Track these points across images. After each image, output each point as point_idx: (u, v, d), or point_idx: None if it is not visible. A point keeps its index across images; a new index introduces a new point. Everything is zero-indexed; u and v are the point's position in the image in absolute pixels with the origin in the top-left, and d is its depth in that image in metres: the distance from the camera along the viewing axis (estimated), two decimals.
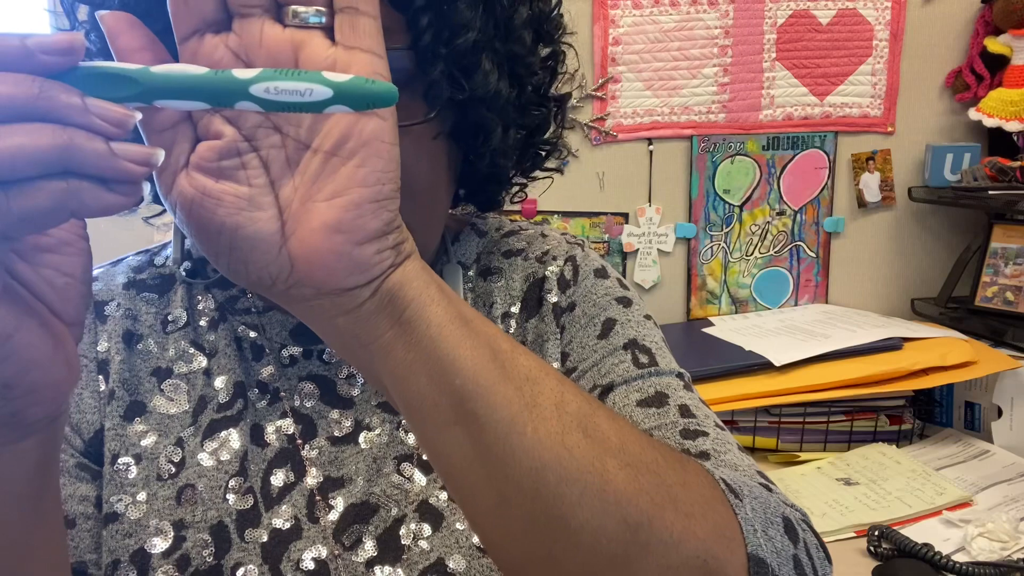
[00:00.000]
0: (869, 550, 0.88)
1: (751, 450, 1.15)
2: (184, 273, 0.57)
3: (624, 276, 1.46)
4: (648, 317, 0.59)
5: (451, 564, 0.50)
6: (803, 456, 1.14)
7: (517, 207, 1.34)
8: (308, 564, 0.49)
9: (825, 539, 0.47)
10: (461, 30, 0.44)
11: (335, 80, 0.30)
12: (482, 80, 0.46)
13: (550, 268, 0.59)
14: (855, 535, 0.92)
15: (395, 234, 0.35)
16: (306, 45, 0.33)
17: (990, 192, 1.24)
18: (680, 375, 0.55)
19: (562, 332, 0.57)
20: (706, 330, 1.33)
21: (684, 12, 1.33)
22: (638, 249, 1.40)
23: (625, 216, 1.39)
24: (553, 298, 0.58)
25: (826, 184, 1.41)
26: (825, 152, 1.39)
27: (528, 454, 0.35)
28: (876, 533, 0.89)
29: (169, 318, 0.55)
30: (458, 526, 0.51)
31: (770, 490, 0.45)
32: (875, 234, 1.43)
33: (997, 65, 1.33)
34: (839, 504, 0.98)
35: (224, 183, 0.34)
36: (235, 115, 0.35)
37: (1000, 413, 1.12)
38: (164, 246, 0.60)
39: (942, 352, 1.11)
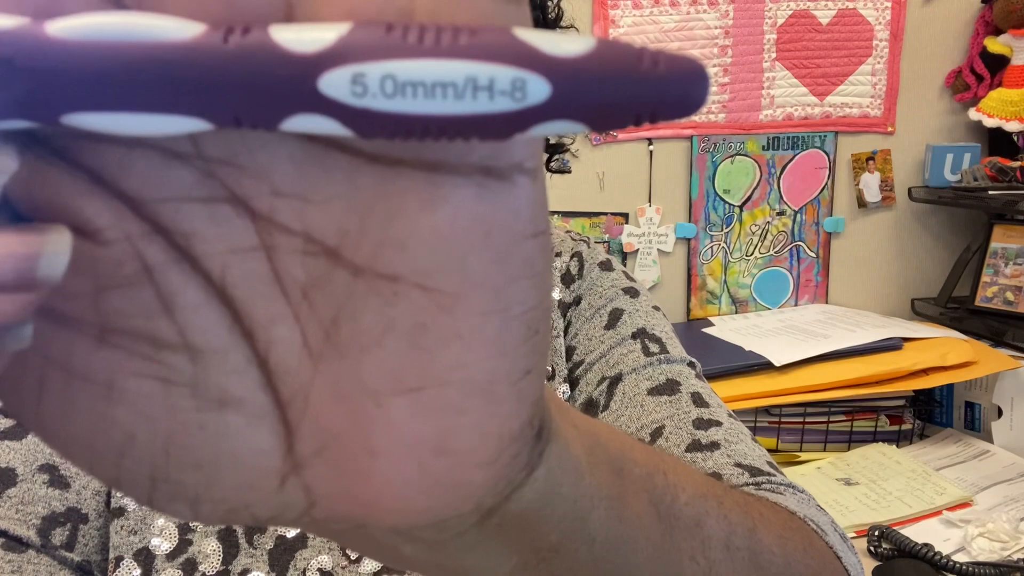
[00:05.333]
0: (869, 550, 0.88)
1: None
2: None
3: None
4: (656, 308, 0.58)
5: None
6: (803, 456, 1.14)
7: None
8: (314, 574, 0.48)
9: None
10: None
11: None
12: None
13: (553, 264, 0.59)
14: (855, 535, 0.92)
15: (537, 416, 0.17)
16: None
17: (990, 192, 1.24)
18: (691, 364, 0.54)
19: (567, 327, 0.56)
20: (706, 330, 1.33)
21: (684, 12, 1.33)
22: (638, 249, 1.40)
23: (625, 216, 1.39)
24: (557, 295, 0.57)
25: (826, 184, 1.41)
26: (825, 152, 1.39)
27: None
28: (876, 533, 0.89)
29: None
30: None
31: (811, 501, 0.43)
32: (875, 234, 1.43)
33: (997, 65, 1.33)
34: (839, 504, 0.98)
35: (117, 345, 0.15)
36: (126, 171, 0.14)
37: (1000, 413, 1.11)
38: None
39: (942, 352, 1.11)
